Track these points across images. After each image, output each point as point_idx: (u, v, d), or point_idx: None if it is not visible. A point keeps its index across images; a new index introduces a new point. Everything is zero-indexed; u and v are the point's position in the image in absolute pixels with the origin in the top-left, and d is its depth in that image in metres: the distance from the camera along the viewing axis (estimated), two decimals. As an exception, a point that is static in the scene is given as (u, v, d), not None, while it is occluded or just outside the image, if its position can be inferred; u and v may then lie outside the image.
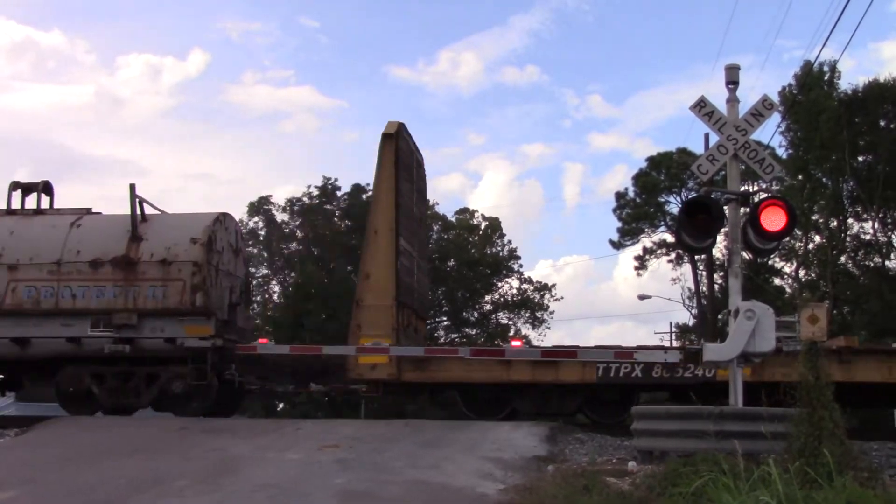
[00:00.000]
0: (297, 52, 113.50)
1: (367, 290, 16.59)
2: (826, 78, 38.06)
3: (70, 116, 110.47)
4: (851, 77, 67.80)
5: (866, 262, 38.59)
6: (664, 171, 49.49)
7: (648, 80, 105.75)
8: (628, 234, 52.44)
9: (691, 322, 50.61)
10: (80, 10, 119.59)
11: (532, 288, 50.89)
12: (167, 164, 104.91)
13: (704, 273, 46.69)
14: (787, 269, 42.41)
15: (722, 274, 43.01)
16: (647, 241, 52.25)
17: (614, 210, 52.18)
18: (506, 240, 52.34)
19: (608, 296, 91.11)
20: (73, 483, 10.16)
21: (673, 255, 50.62)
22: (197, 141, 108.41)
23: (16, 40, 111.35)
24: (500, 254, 51.50)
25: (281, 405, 36.07)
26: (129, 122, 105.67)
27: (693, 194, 35.59)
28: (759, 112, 11.75)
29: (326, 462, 11.02)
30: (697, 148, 43.52)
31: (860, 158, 37.94)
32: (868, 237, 38.31)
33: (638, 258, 52.80)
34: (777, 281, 42.28)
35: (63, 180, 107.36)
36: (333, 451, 11.67)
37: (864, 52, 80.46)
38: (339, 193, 48.18)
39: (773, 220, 11.12)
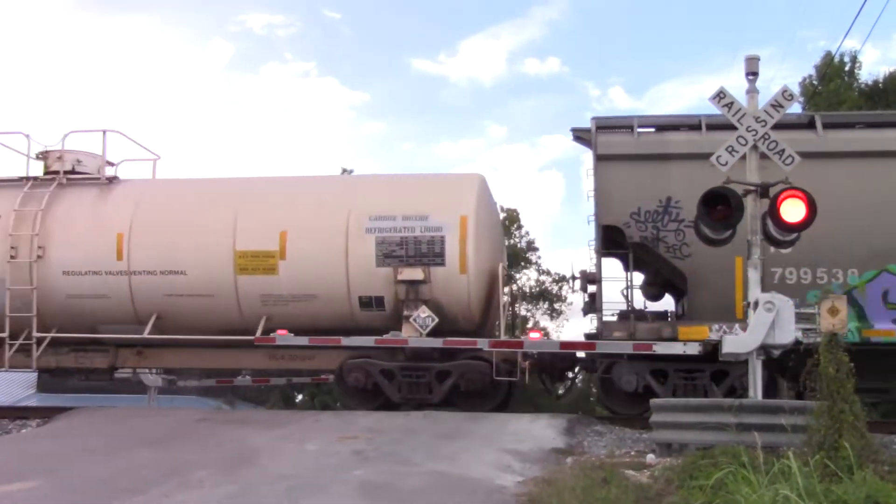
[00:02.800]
0: (319, 45, 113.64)
1: None
2: (847, 69, 37.77)
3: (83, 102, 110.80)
4: (875, 68, 67.30)
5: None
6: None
7: (669, 71, 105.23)
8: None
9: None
10: (102, 5, 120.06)
11: (551, 279, 50.81)
12: (188, 156, 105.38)
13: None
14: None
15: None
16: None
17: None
18: (524, 231, 52.26)
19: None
20: (94, 473, 10.24)
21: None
22: (218, 133, 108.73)
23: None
24: (519, 245, 51.41)
25: (300, 396, 36.20)
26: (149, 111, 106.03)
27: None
28: (779, 103, 11.65)
29: (345, 453, 11.06)
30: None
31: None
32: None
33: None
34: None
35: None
36: (352, 442, 11.71)
37: (888, 43, 79.66)
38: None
39: (793, 211, 11.04)
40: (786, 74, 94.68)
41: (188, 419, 14.14)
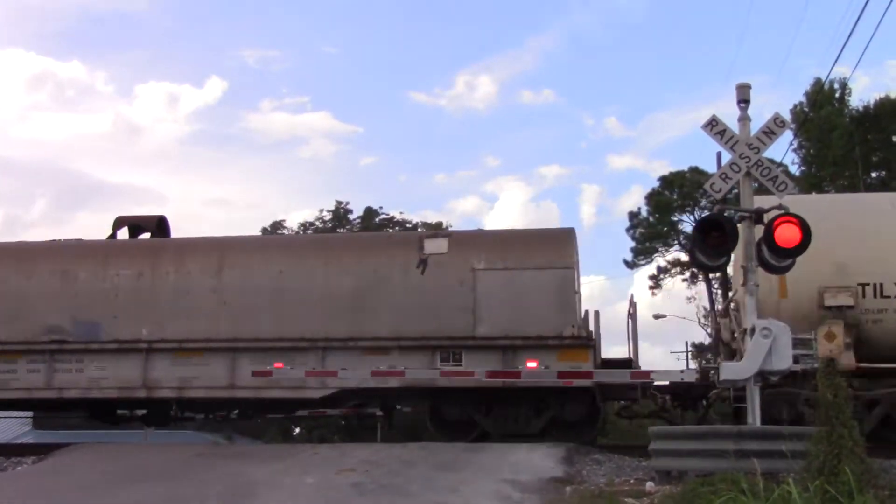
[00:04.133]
0: (314, 79, 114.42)
1: None
2: (837, 95, 38.04)
3: (89, 144, 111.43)
4: (867, 94, 67.71)
5: None
6: (677, 190, 49.49)
7: (662, 101, 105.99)
8: (642, 253, 52.43)
9: (707, 341, 50.42)
10: (100, 41, 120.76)
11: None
12: (185, 190, 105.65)
13: (719, 291, 46.48)
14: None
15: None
16: (661, 260, 52.22)
17: (628, 230, 52.23)
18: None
19: (624, 316, 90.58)
20: (91, 510, 10.18)
21: (687, 274, 50.49)
22: (214, 168, 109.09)
23: (35, 71, 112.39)
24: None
25: (297, 429, 36.06)
26: (148, 149, 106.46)
27: (706, 213, 35.61)
28: (771, 130, 11.74)
29: (343, 486, 11.00)
30: (710, 167, 43.50)
31: (873, 174, 37.83)
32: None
33: (652, 277, 52.73)
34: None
35: (83, 208, 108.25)
36: (350, 474, 11.65)
37: (880, 69, 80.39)
38: (351, 217, 48.37)
39: (788, 236, 11.09)
40: (778, 102, 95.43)
41: (185, 454, 14.06)
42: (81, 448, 15.08)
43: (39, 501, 10.63)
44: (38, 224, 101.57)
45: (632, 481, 11.37)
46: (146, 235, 18.24)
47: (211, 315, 16.07)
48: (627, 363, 15.82)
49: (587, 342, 15.38)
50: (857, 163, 35.45)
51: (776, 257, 11.44)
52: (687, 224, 49.23)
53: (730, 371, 11.25)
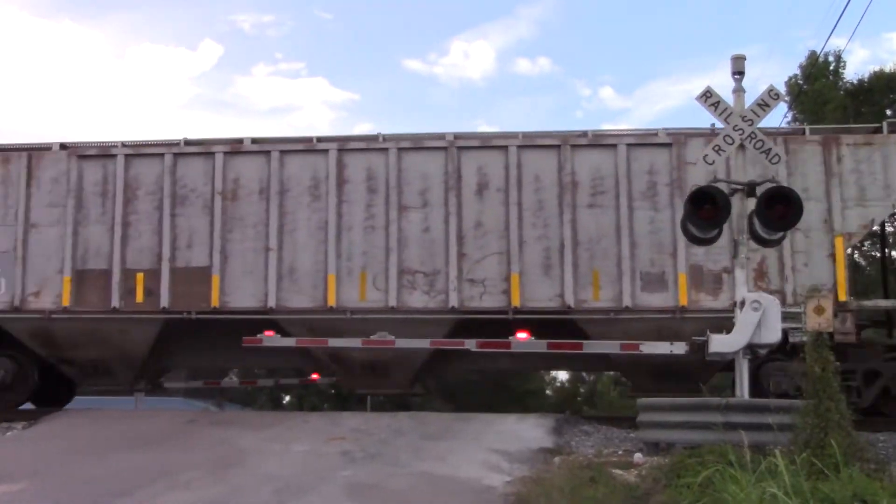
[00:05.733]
0: (309, 45, 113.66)
1: None
2: (832, 68, 37.90)
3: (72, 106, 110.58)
4: (865, 67, 67.47)
5: (873, 252, 38.50)
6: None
7: (657, 71, 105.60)
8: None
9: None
10: (93, 3, 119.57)
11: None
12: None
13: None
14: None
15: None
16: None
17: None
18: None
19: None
20: (81, 475, 10.21)
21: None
22: (207, 133, 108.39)
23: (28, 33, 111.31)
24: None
25: (287, 398, 36.14)
26: (142, 114, 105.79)
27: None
28: (766, 102, 11.69)
29: (332, 454, 11.04)
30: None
31: (867, 148, 37.79)
32: (875, 228, 38.11)
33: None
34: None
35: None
36: (340, 443, 11.69)
37: (878, 42, 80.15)
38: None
39: (780, 210, 11.09)
40: (774, 73, 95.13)
41: (176, 421, 14.08)
42: (72, 414, 15.09)
43: (30, 468, 10.65)
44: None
45: (620, 452, 11.44)
46: None
47: None
48: None
49: None
50: (851, 136, 35.40)
51: (768, 231, 11.43)
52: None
53: (719, 344, 11.29)
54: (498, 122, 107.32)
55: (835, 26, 39.03)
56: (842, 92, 36.72)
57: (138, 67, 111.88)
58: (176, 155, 15.47)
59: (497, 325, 14.35)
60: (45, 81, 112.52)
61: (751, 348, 11.07)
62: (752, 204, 11.36)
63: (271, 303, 14.85)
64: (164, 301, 15.02)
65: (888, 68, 36.82)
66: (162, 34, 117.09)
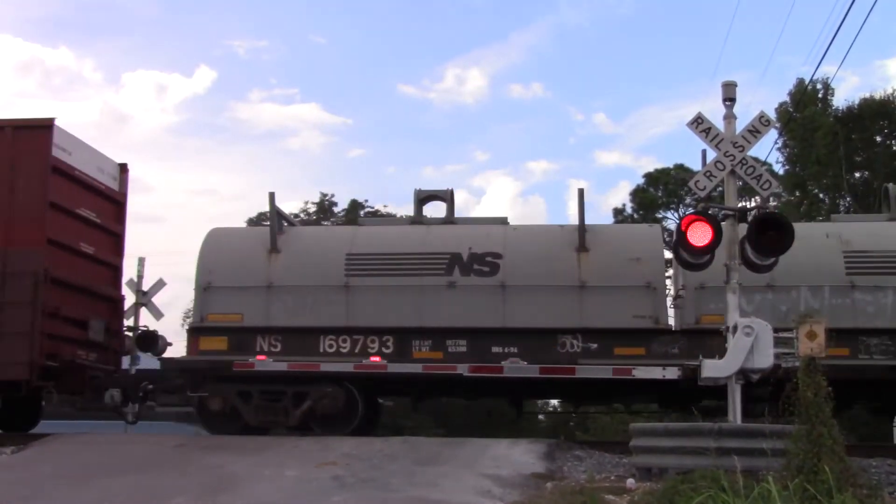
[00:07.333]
0: (303, 70, 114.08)
1: None
2: (820, 95, 38.23)
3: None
4: (856, 94, 68.07)
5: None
6: (662, 187, 49.59)
7: (649, 97, 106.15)
8: (626, 250, 52.37)
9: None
10: (88, 28, 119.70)
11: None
12: (172, 180, 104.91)
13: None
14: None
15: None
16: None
17: (612, 226, 52.20)
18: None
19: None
20: (70, 500, 10.12)
21: (671, 272, 50.54)
22: (202, 157, 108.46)
23: (23, 58, 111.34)
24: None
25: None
26: (135, 138, 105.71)
27: (690, 211, 35.73)
28: (756, 128, 11.78)
29: (324, 479, 10.97)
30: (696, 164, 43.72)
31: (857, 174, 38.04)
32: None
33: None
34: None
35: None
36: (331, 468, 11.62)
37: (869, 69, 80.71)
38: (335, 209, 48.25)
39: (772, 235, 11.13)
40: (764, 99, 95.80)
41: (165, 445, 13.99)
42: (60, 438, 14.97)
43: (17, 492, 10.55)
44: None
45: (612, 478, 11.40)
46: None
47: None
48: None
49: None
50: (841, 162, 35.62)
51: (760, 256, 11.48)
52: (671, 222, 49.39)
53: (712, 369, 11.29)
54: (491, 148, 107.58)
55: (824, 54, 39.45)
56: (832, 118, 36.99)
57: (132, 92, 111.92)
58: None
59: None
60: (36, 106, 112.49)
61: (743, 373, 11.08)
62: (743, 230, 11.41)
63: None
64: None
65: (878, 95, 37.18)
66: (156, 60, 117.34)
